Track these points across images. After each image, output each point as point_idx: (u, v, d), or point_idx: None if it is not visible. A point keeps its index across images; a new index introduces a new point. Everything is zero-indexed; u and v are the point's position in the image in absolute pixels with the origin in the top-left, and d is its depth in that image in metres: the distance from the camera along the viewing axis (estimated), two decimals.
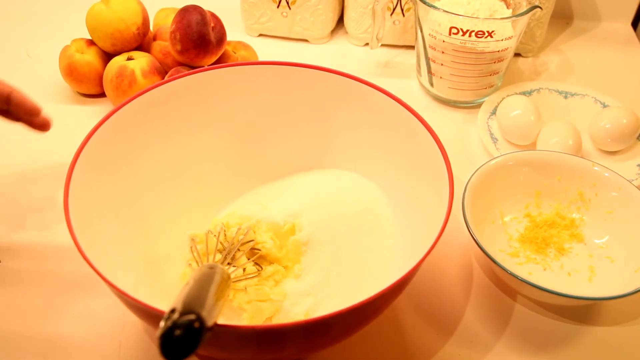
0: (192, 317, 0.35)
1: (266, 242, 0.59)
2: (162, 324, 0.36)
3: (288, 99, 0.66)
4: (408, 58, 0.95)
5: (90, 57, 0.82)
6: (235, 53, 0.84)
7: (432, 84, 0.87)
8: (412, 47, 0.94)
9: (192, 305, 0.37)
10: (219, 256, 0.57)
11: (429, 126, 0.59)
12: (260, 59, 0.87)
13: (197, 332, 0.35)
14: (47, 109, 0.83)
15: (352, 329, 0.51)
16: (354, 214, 0.64)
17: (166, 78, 0.79)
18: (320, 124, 0.67)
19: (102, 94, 0.84)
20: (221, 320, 0.42)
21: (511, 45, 0.81)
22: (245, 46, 0.86)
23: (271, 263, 0.60)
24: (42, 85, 0.87)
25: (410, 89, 0.91)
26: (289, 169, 0.69)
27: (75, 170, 0.53)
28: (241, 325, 0.44)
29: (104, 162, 0.57)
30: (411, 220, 0.61)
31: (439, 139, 0.57)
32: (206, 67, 0.63)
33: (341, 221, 0.63)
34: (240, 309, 0.56)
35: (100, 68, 0.82)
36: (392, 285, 0.46)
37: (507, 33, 0.79)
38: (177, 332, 0.35)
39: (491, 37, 0.78)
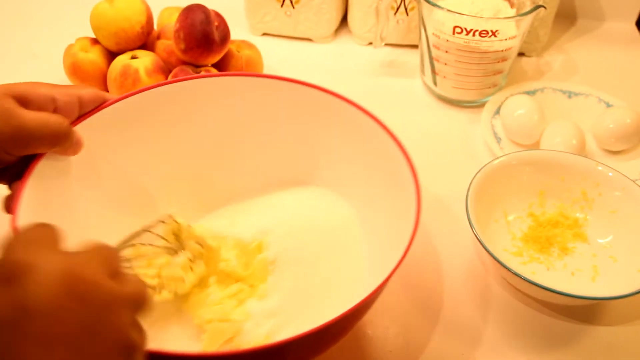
0: None
1: (230, 259, 0.58)
2: None
3: (260, 113, 0.65)
4: (412, 57, 0.95)
5: (94, 55, 0.83)
6: (239, 52, 0.84)
7: (435, 84, 0.87)
8: (416, 46, 0.94)
9: None
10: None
11: (400, 143, 0.58)
12: (264, 58, 0.87)
13: None
14: None
15: (314, 352, 0.50)
16: (325, 233, 0.62)
17: (169, 77, 0.79)
18: (295, 139, 0.65)
19: None
20: (171, 344, 0.43)
21: (515, 44, 0.81)
22: (249, 45, 0.86)
23: (236, 281, 0.58)
24: None
25: (414, 89, 0.91)
26: (260, 185, 0.67)
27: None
28: (178, 353, 0.43)
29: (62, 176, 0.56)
30: (382, 239, 0.59)
31: (410, 157, 0.56)
32: (176, 79, 0.61)
33: (311, 240, 0.61)
34: (200, 328, 0.55)
35: (105, 67, 0.83)
36: (348, 311, 0.45)
37: (511, 32, 0.79)
38: None
39: (495, 36, 0.78)
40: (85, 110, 0.56)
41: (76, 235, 0.57)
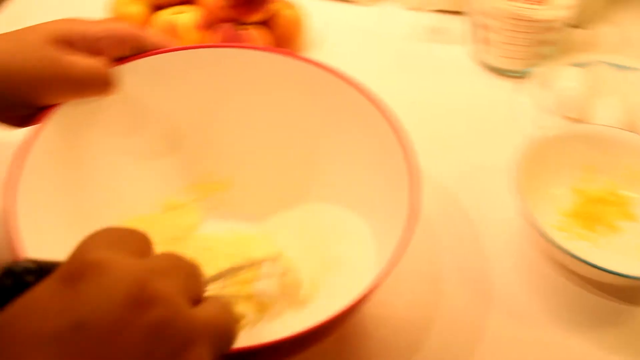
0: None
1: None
2: None
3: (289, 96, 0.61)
4: (458, 24, 0.93)
5: (138, 9, 0.82)
6: (282, 11, 0.83)
7: (482, 51, 0.85)
8: (463, 12, 0.92)
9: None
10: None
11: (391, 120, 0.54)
12: (307, 18, 0.86)
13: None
14: None
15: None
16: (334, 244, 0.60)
17: (212, 34, 0.78)
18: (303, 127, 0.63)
19: None
20: None
21: (567, 14, 0.79)
22: (293, 5, 0.85)
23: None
24: None
25: (459, 56, 0.89)
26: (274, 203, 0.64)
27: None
28: None
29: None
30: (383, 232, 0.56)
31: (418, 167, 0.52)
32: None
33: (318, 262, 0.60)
34: None
35: (148, 21, 0.82)
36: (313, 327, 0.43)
37: (564, 2, 0.77)
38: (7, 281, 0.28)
39: (547, 4, 0.76)
40: (123, 46, 0.55)
41: (97, 185, 0.58)
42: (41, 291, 0.27)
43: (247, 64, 0.60)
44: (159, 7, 0.82)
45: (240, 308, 0.54)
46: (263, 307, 0.55)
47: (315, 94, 0.60)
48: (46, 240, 0.48)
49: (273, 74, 0.60)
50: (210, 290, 0.38)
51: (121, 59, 0.55)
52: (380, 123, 0.54)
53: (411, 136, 0.52)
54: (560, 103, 0.77)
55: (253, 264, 0.53)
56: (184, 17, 0.79)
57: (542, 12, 0.77)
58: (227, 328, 0.31)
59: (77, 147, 0.56)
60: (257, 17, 0.79)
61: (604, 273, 0.55)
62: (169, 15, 0.79)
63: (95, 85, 0.52)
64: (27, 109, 0.51)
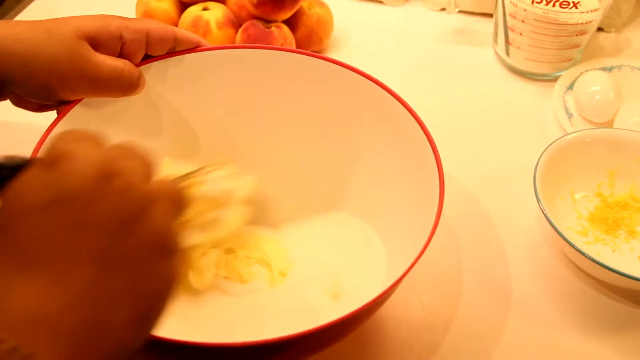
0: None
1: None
2: None
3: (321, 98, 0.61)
4: (485, 26, 0.93)
5: (167, 5, 0.83)
6: (310, 10, 0.83)
7: (508, 54, 0.85)
8: (489, 14, 0.92)
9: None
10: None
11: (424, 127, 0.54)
12: (335, 18, 0.86)
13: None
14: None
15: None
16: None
17: (240, 32, 0.79)
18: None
19: None
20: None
21: (596, 18, 0.78)
22: (321, 3, 0.85)
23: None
24: None
25: (485, 58, 0.89)
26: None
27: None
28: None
29: None
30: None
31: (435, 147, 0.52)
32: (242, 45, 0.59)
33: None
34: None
35: (176, 17, 0.83)
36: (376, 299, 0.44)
37: (593, 5, 0.76)
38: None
39: (576, 8, 0.75)
40: (154, 47, 0.56)
41: None
42: (28, 176, 0.32)
43: (276, 65, 0.60)
44: (186, 4, 0.83)
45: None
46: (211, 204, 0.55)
47: (349, 101, 0.60)
48: None
49: (303, 77, 0.60)
50: None
51: (147, 59, 0.56)
52: (421, 141, 0.54)
53: (435, 137, 0.52)
54: (585, 107, 0.76)
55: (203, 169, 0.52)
56: (211, 14, 0.79)
57: (573, 16, 0.76)
58: (178, 193, 0.36)
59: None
60: (284, 15, 0.79)
61: (624, 278, 0.55)
62: (196, 12, 0.80)
63: (121, 86, 0.53)
64: (48, 99, 0.52)
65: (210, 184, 0.53)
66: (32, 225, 0.31)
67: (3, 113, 0.64)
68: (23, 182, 0.32)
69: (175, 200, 0.36)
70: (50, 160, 0.33)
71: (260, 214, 0.60)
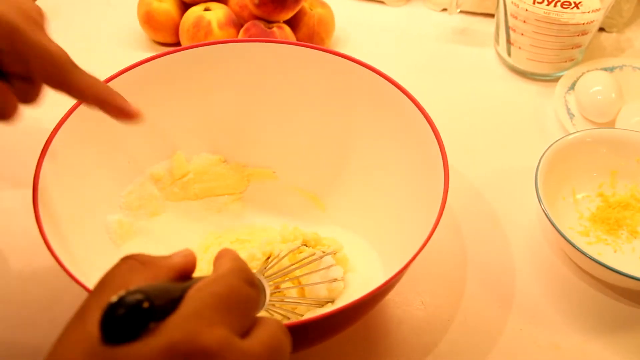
0: (139, 296, 0.30)
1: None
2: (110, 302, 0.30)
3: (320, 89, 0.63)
4: (486, 26, 0.93)
5: (168, 5, 0.83)
6: (311, 10, 0.83)
7: (509, 54, 0.85)
8: (492, 15, 0.92)
9: (147, 290, 0.31)
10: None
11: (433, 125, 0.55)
12: (336, 18, 0.86)
13: (144, 312, 0.30)
14: (123, 55, 0.85)
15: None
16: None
17: (241, 32, 0.79)
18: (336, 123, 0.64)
19: (177, 43, 0.85)
20: None
21: (597, 18, 0.78)
22: (322, 3, 0.85)
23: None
24: (120, 32, 0.88)
25: (486, 58, 0.89)
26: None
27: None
28: None
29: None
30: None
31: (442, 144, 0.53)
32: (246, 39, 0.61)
33: None
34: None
35: (177, 17, 0.83)
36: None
37: (594, 5, 0.76)
38: (121, 310, 0.29)
39: (577, 8, 0.75)
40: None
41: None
42: (149, 355, 0.30)
43: (282, 59, 0.62)
44: (188, 4, 0.83)
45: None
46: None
47: (359, 96, 0.61)
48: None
49: (316, 71, 0.62)
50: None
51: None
52: (427, 133, 0.55)
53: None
54: (587, 107, 0.76)
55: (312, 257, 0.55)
56: (213, 14, 0.80)
57: (574, 16, 0.76)
58: (280, 352, 0.34)
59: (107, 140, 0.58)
60: (285, 16, 0.79)
61: (625, 278, 0.55)
62: (198, 12, 0.80)
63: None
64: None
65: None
66: None
67: None
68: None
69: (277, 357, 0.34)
70: (181, 354, 0.30)
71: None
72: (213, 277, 0.34)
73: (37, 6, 0.48)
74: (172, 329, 0.31)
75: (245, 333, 0.33)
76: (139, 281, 0.33)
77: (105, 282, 0.33)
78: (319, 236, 0.59)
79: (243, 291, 0.34)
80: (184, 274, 0.36)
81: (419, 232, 0.50)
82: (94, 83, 0.47)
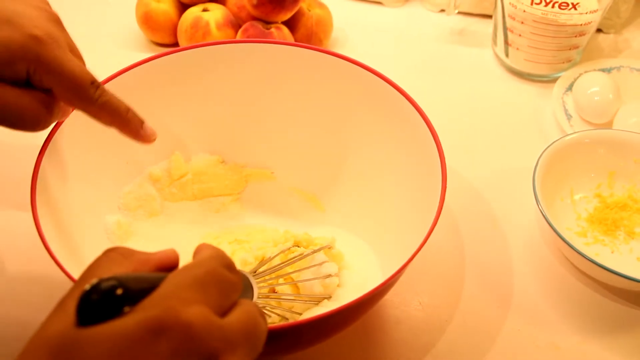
0: (113, 282, 0.31)
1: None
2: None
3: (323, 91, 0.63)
4: (484, 27, 0.93)
5: (166, 6, 0.83)
6: (309, 11, 0.83)
7: (507, 55, 0.85)
8: (490, 16, 0.92)
9: (121, 278, 0.32)
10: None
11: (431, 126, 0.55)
12: (334, 19, 0.86)
13: (117, 297, 0.31)
14: (121, 55, 0.85)
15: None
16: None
17: (239, 32, 0.79)
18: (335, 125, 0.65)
19: (175, 44, 0.85)
20: None
21: (595, 19, 0.78)
22: (320, 4, 0.85)
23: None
24: (118, 32, 0.88)
25: (484, 59, 0.89)
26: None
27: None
28: None
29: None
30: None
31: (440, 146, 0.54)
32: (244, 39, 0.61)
33: None
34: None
35: (176, 18, 0.83)
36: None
37: (592, 6, 0.76)
38: (94, 296, 0.31)
39: (575, 9, 0.75)
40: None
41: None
42: (123, 330, 0.30)
43: (279, 60, 0.62)
44: (186, 5, 0.83)
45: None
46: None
47: (357, 98, 0.62)
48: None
49: (312, 72, 0.62)
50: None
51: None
52: (425, 134, 0.55)
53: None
54: (585, 108, 0.76)
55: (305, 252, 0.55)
56: (211, 15, 0.80)
57: (572, 17, 0.76)
58: (256, 331, 0.35)
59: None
60: (283, 16, 0.79)
61: (623, 279, 0.55)
62: (196, 12, 0.80)
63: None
64: None
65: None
66: None
67: None
68: (116, 337, 0.30)
69: (253, 340, 0.34)
70: (159, 325, 0.30)
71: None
72: (192, 262, 0.35)
73: (55, 14, 0.48)
74: (150, 307, 0.31)
75: (224, 314, 0.34)
76: (119, 272, 0.34)
77: (87, 273, 0.34)
78: (310, 236, 0.59)
79: (222, 274, 0.35)
80: (165, 269, 0.37)
81: (417, 232, 0.50)
82: (112, 108, 0.48)
